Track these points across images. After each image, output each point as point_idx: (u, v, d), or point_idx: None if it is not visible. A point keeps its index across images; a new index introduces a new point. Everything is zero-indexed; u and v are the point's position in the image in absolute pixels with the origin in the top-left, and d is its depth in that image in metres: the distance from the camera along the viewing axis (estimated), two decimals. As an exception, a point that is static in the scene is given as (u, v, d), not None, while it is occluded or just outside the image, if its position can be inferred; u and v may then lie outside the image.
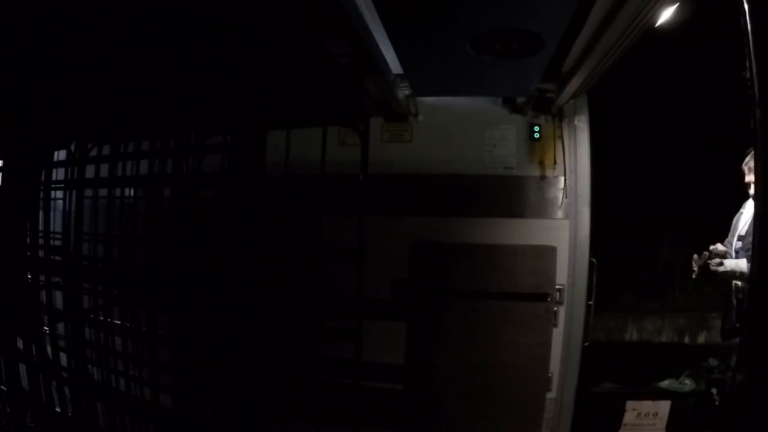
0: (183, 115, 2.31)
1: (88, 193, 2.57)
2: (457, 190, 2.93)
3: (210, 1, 1.71)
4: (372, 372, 2.88)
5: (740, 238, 2.71)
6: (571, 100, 2.81)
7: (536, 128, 2.89)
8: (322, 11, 1.59)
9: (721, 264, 2.51)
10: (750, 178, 2.55)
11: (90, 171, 2.57)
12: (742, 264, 2.50)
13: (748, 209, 2.74)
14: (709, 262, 2.52)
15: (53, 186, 2.72)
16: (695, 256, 2.61)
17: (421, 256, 2.93)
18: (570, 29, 1.86)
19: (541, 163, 2.89)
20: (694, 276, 2.61)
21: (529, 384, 2.84)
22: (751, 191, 2.60)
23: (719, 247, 2.67)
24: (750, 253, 2.51)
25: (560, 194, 2.86)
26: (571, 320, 2.85)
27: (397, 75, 2.49)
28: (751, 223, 2.65)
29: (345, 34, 1.75)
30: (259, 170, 2.14)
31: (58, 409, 2.54)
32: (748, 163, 2.53)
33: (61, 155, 2.73)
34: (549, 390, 2.86)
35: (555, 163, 2.87)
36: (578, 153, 2.89)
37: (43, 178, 2.68)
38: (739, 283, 2.59)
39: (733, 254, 2.70)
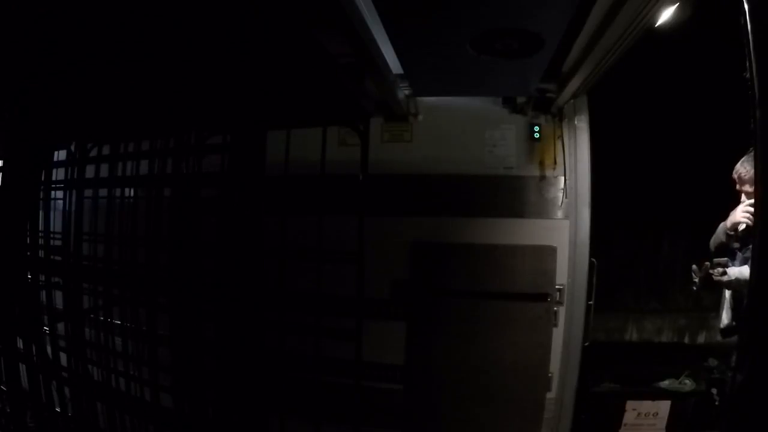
0: (183, 115, 2.31)
1: (88, 193, 2.57)
2: (457, 190, 2.92)
3: (210, 0, 1.71)
4: (372, 372, 2.87)
5: None
6: (571, 100, 2.81)
7: (536, 128, 2.89)
8: (322, 11, 1.59)
9: (725, 273, 2.46)
10: (741, 188, 2.50)
11: (90, 171, 2.57)
12: (745, 271, 2.44)
13: None
14: (711, 272, 2.48)
15: (53, 186, 2.72)
16: (694, 267, 2.56)
17: (421, 256, 2.93)
18: (570, 29, 1.86)
19: (541, 163, 2.89)
20: (695, 288, 2.57)
21: (529, 384, 2.84)
22: (743, 200, 2.55)
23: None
24: (747, 254, 2.50)
25: (560, 194, 2.86)
26: (571, 320, 2.85)
27: (397, 75, 2.49)
28: None
29: (345, 34, 1.75)
30: (259, 170, 2.14)
31: (58, 409, 2.53)
32: (738, 171, 2.47)
33: (61, 155, 2.73)
34: (549, 390, 2.86)
35: (555, 163, 2.87)
36: (578, 153, 2.89)
37: (43, 178, 2.68)
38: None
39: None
